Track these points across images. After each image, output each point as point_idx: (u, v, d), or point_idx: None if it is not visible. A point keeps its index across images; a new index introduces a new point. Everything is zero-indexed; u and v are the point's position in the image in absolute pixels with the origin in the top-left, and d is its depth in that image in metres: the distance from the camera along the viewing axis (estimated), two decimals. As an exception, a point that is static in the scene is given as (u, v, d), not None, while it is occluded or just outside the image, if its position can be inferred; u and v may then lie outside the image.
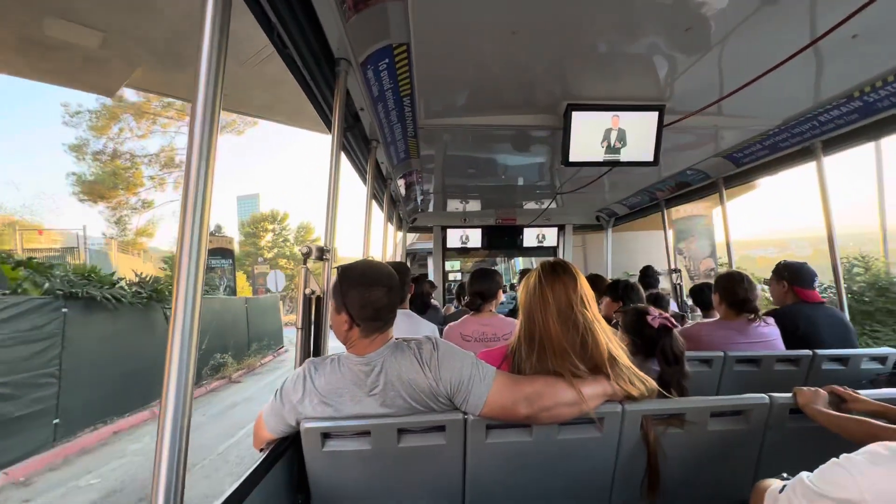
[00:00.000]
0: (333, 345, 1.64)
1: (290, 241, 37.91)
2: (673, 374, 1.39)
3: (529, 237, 5.76)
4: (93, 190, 20.61)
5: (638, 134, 2.35)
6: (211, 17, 0.84)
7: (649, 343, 1.46)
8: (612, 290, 2.62)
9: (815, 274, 2.33)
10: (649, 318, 1.45)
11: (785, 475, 0.90)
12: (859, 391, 1.29)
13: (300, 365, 1.38)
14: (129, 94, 18.74)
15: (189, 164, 0.81)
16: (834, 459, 0.69)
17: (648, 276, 3.77)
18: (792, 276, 2.36)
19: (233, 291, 16.70)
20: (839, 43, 1.69)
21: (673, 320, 1.46)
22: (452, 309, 4.62)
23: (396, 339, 1.26)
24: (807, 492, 0.68)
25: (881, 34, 1.67)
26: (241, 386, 9.25)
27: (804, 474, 0.72)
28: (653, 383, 1.27)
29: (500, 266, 11.75)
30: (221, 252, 17.25)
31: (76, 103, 20.47)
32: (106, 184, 20.70)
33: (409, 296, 2.46)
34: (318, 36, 1.50)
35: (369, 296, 1.20)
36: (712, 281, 2.44)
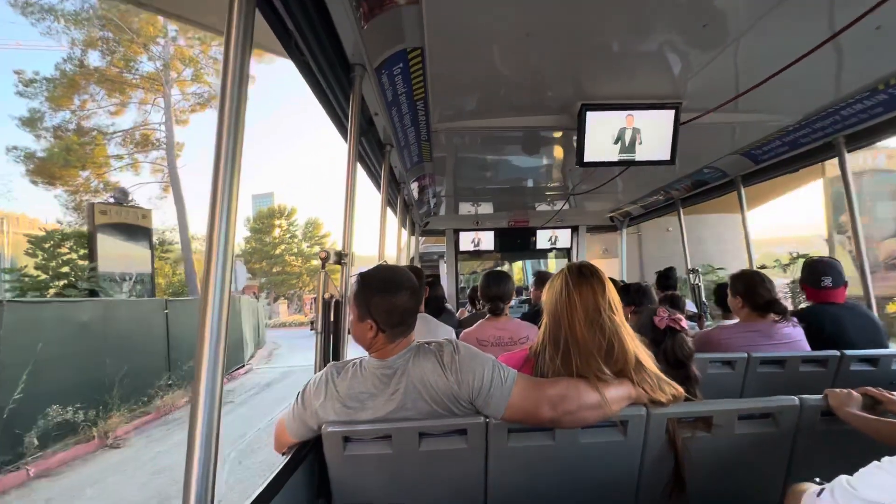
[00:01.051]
0: (352, 348, 1.65)
1: (298, 237, 36.78)
2: (676, 376, 1.35)
3: (542, 239, 5.73)
4: (43, 169, 16.63)
5: (653, 133, 2.32)
6: (236, 29, 0.86)
7: (655, 344, 1.43)
8: (624, 294, 2.58)
9: (824, 272, 2.21)
10: (656, 318, 1.43)
11: (818, 480, 0.88)
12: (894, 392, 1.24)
13: (321, 369, 1.39)
14: (93, 57, 16.40)
15: (217, 163, 0.83)
16: (876, 462, 0.66)
17: (669, 277, 3.73)
18: (803, 276, 2.30)
19: (150, 290, 10.86)
20: (862, 35, 1.65)
21: (682, 323, 1.43)
22: (466, 313, 4.61)
23: (417, 342, 1.26)
24: (846, 495, 0.66)
25: None
26: (112, 458, 5.05)
27: (843, 478, 0.69)
28: (681, 390, 1.24)
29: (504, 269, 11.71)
30: (127, 230, 10.18)
31: (32, 71, 16.65)
32: (57, 161, 16.48)
33: (423, 299, 2.46)
34: (334, 43, 1.52)
35: (395, 301, 1.20)
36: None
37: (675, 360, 1.38)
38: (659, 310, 1.46)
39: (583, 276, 1.29)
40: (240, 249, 36.57)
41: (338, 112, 1.94)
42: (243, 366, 10.90)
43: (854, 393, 1.24)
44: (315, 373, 1.37)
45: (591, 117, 2.26)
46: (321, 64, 1.53)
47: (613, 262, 10.86)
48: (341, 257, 1.56)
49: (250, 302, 14.35)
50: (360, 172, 2.78)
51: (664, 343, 1.40)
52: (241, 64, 0.86)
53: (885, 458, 0.65)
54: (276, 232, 36.35)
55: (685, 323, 1.42)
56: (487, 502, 1.25)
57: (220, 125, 0.85)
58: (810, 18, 1.60)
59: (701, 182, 3.78)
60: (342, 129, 2.03)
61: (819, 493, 0.72)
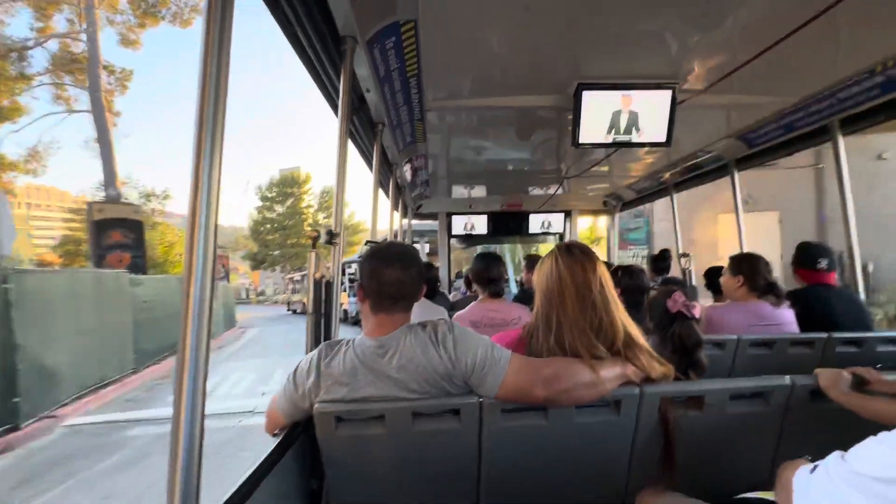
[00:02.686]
0: (343, 329, 1.62)
1: (314, 207, 34.74)
2: (681, 363, 1.35)
3: (535, 223, 5.71)
4: None
5: (650, 114, 2.29)
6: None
7: (664, 325, 1.42)
8: (612, 276, 2.58)
9: (821, 255, 2.26)
10: (670, 301, 1.41)
11: (809, 458, 0.88)
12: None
13: (311, 350, 1.37)
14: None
15: (199, 136, 0.78)
16: (872, 437, 0.66)
17: (664, 259, 3.75)
18: (797, 258, 2.33)
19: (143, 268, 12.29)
20: (859, 10, 1.61)
21: (695, 311, 1.41)
22: (459, 296, 4.61)
23: (411, 323, 1.24)
24: (842, 471, 0.66)
25: None
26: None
27: (838, 453, 0.69)
28: (670, 367, 1.25)
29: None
30: (122, 224, 11.97)
31: None
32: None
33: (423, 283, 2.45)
34: (324, 12, 1.46)
35: (384, 273, 1.20)
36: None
37: (682, 347, 1.37)
38: (676, 293, 1.45)
39: (572, 254, 1.29)
40: (251, 220, 35.21)
41: (328, 87, 1.88)
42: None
43: (843, 373, 1.25)
44: (306, 353, 1.35)
45: (587, 97, 2.22)
46: (310, 34, 1.47)
47: (764, 216, 9.22)
48: (332, 236, 1.52)
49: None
50: (352, 153, 2.72)
51: (672, 328, 1.39)
52: (222, 20, 0.81)
53: (882, 433, 0.65)
54: (290, 201, 34.45)
55: (697, 311, 1.40)
56: (481, 481, 1.26)
57: (200, 95, 0.80)
58: None
59: (695, 166, 3.78)
60: (333, 106, 1.97)
61: (812, 471, 0.72)
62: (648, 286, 2.36)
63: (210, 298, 0.79)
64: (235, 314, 18.52)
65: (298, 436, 1.21)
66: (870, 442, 0.65)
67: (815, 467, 0.72)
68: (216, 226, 0.81)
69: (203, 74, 0.79)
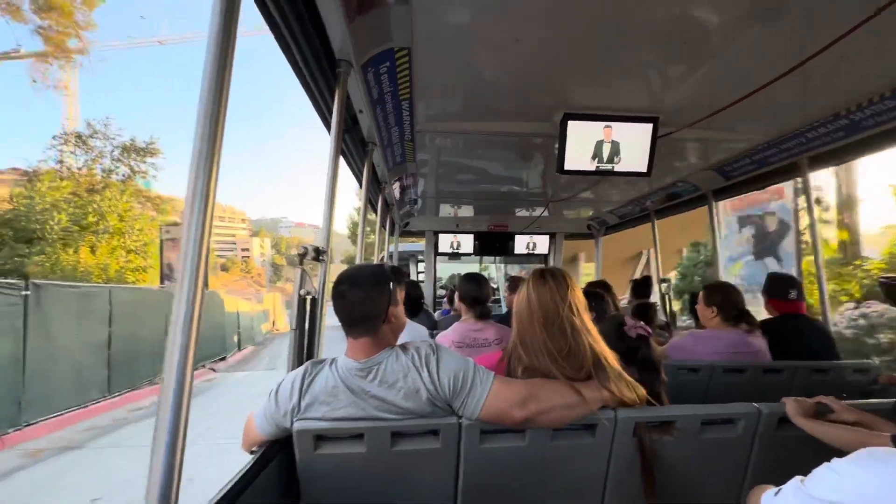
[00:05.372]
0: (327, 347, 1.63)
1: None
2: (652, 381, 1.40)
3: (520, 244, 5.79)
4: None
5: (632, 144, 2.38)
6: (219, 18, 0.84)
7: (629, 352, 1.46)
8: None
9: (790, 285, 2.35)
10: (626, 328, 1.47)
11: (776, 486, 0.92)
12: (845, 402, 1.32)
13: (294, 368, 1.37)
14: None
15: (198, 148, 0.81)
16: (826, 464, 0.71)
17: (646, 285, 3.85)
18: (769, 288, 2.41)
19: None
20: (828, 63, 1.75)
21: (648, 329, 1.49)
22: (441, 315, 4.61)
23: (394, 345, 1.25)
24: (799, 495, 0.71)
25: (867, 56, 1.73)
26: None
27: (798, 478, 0.74)
28: (642, 390, 1.28)
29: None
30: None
31: None
32: None
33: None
34: (321, 36, 1.51)
35: (342, 300, 1.21)
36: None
37: (651, 366, 1.42)
38: (626, 319, 1.51)
39: (542, 278, 1.34)
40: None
41: (322, 107, 1.92)
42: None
43: (808, 401, 1.30)
44: (288, 371, 1.35)
45: (573, 126, 2.30)
46: (307, 56, 1.52)
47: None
48: (319, 253, 1.54)
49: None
50: (342, 170, 2.75)
51: (640, 350, 1.44)
52: (225, 45, 0.84)
53: (835, 459, 0.70)
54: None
55: (648, 328, 1.47)
56: (458, 502, 1.26)
57: (200, 113, 0.83)
58: (781, 45, 1.69)
59: (675, 195, 3.91)
60: (326, 124, 2.01)
61: (776, 493, 0.76)
62: (609, 311, 2.36)
63: (200, 307, 0.81)
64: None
65: (276, 454, 1.20)
66: (823, 468, 0.71)
67: (779, 491, 0.77)
68: (208, 246, 0.83)
69: (204, 90, 0.82)
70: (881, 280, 1.73)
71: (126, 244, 13.86)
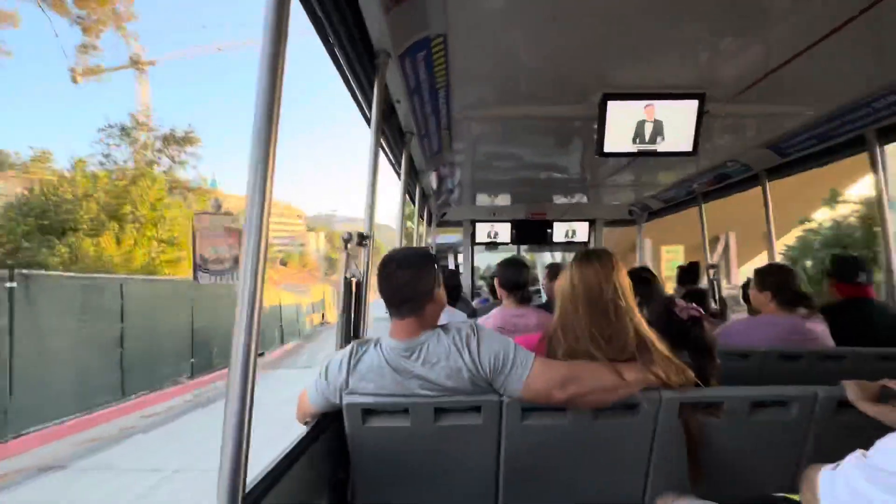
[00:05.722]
0: (372, 329, 1.70)
1: None
2: (704, 366, 1.37)
3: (559, 232, 5.69)
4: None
5: (676, 123, 2.29)
6: (272, 19, 0.89)
7: (680, 335, 1.43)
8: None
9: (860, 268, 2.21)
10: (677, 309, 1.44)
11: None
12: None
13: (341, 347, 1.44)
14: None
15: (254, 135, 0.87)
16: (893, 433, 0.67)
17: (693, 272, 3.71)
18: (835, 270, 2.27)
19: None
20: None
21: (701, 310, 1.45)
22: (479, 304, 4.64)
23: (436, 326, 1.29)
24: (863, 467, 0.67)
25: None
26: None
27: (859, 451, 0.71)
28: (690, 373, 1.26)
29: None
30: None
31: None
32: None
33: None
34: (360, 28, 1.55)
35: (385, 280, 1.25)
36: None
37: (704, 348, 1.39)
38: (678, 301, 1.47)
39: (587, 259, 1.33)
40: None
41: (360, 99, 1.97)
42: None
43: (872, 385, 1.23)
44: (336, 350, 1.43)
45: (613, 106, 2.25)
46: (347, 50, 1.57)
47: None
48: (363, 238, 1.60)
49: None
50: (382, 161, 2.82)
51: (692, 332, 1.41)
52: (276, 48, 0.90)
53: None
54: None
55: (700, 309, 1.43)
56: (500, 478, 1.29)
57: (256, 112, 0.89)
58: None
59: (724, 175, 3.71)
60: (365, 116, 2.07)
61: (835, 468, 0.74)
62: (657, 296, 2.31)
63: (260, 298, 0.86)
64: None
65: (327, 427, 1.28)
66: (889, 437, 0.67)
67: (837, 466, 0.74)
68: (267, 232, 0.88)
69: (260, 92, 0.88)
70: None
71: (159, 234, 13.72)
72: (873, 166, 2.55)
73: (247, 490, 0.82)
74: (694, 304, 1.45)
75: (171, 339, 8.41)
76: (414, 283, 1.23)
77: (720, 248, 10.17)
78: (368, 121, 1.90)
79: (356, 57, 1.64)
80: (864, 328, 2.10)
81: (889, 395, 1.22)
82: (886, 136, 2.45)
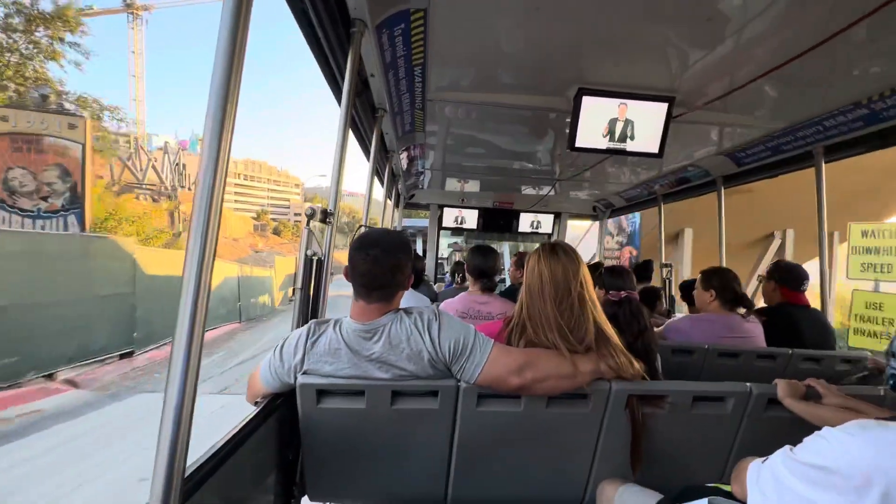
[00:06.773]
0: (331, 308, 1.65)
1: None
2: (638, 350, 1.45)
3: (525, 223, 5.78)
4: None
5: (646, 124, 2.35)
6: None
7: (613, 317, 1.51)
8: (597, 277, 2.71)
9: (804, 277, 2.39)
10: (611, 295, 1.58)
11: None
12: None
13: (299, 326, 1.40)
14: None
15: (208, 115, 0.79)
16: (816, 432, 0.74)
17: (646, 269, 3.87)
18: (781, 276, 2.43)
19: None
20: (851, 46, 1.69)
21: (635, 294, 1.59)
22: (443, 287, 4.66)
23: (397, 309, 1.27)
24: (787, 461, 0.74)
25: (892, 42, 1.68)
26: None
27: (787, 447, 0.77)
28: (638, 368, 1.31)
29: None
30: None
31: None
32: None
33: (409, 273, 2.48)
34: None
35: (355, 263, 1.21)
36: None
37: (637, 328, 1.49)
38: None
39: (555, 254, 1.35)
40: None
41: (333, 69, 1.88)
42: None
43: (800, 384, 1.33)
44: (292, 329, 1.38)
45: (587, 102, 2.26)
46: (320, 14, 1.48)
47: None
48: (327, 215, 1.54)
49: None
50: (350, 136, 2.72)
51: (622, 309, 1.52)
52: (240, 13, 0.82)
53: (825, 428, 0.73)
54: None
55: (634, 294, 1.59)
56: (452, 461, 1.31)
57: (214, 81, 0.80)
58: (807, 19, 1.62)
59: (684, 179, 3.87)
60: (336, 89, 1.98)
61: (763, 461, 0.80)
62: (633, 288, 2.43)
63: (208, 271, 0.78)
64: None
65: (278, 407, 1.24)
66: (813, 436, 0.73)
67: (766, 459, 0.80)
68: (219, 212, 0.80)
69: (219, 59, 0.80)
70: None
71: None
72: (818, 182, 2.73)
73: (186, 474, 0.78)
74: (629, 291, 1.58)
75: (60, 314, 6.14)
76: (395, 271, 1.21)
77: (774, 246, 8.71)
78: (340, 93, 1.81)
79: (330, 24, 1.55)
80: (797, 331, 2.28)
81: (812, 395, 1.32)
82: (832, 153, 2.62)
